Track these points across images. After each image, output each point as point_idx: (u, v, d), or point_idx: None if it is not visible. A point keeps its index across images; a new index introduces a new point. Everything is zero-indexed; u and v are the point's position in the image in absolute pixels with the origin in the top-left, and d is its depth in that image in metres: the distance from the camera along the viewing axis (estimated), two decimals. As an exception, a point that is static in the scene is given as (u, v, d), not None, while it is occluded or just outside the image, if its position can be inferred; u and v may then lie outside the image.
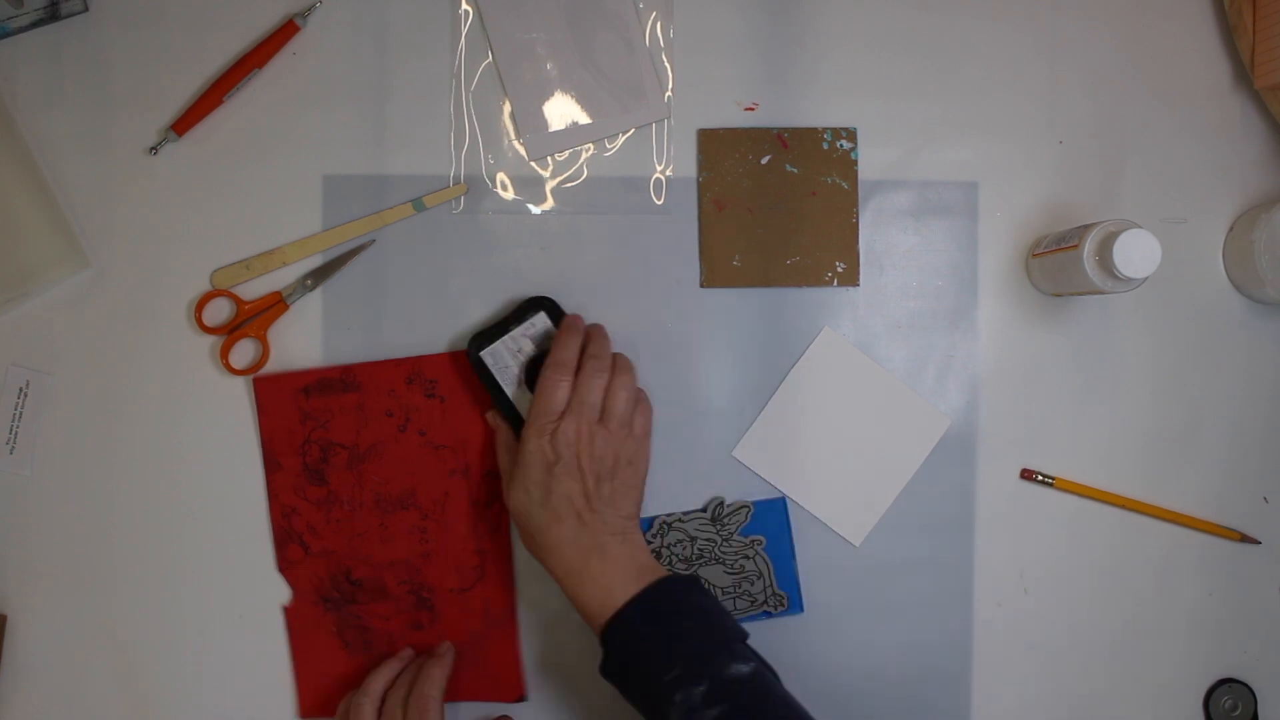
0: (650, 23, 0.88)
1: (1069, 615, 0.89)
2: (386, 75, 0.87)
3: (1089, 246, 0.79)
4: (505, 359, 0.84)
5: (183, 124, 0.86)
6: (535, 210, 0.88)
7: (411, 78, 0.87)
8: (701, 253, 0.88)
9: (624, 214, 0.88)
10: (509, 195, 0.88)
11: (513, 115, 0.88)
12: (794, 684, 0.87)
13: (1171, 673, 0.89)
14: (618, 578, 0.76)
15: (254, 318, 0.86)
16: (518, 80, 0.88)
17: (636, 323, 0.87)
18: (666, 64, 0.88)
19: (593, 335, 0.83)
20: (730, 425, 0.88)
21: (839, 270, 0.88)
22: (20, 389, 0.86)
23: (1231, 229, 0.89)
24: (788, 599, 0.87)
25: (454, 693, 0.86)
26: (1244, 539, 0.89)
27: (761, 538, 0.86)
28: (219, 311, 0.87)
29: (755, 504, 0.86)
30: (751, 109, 0.88)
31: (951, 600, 0.88)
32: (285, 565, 0.86)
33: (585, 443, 0.78)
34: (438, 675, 0.82)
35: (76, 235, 0.86)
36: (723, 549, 0.86)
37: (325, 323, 0.87)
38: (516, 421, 0.84)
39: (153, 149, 0.86)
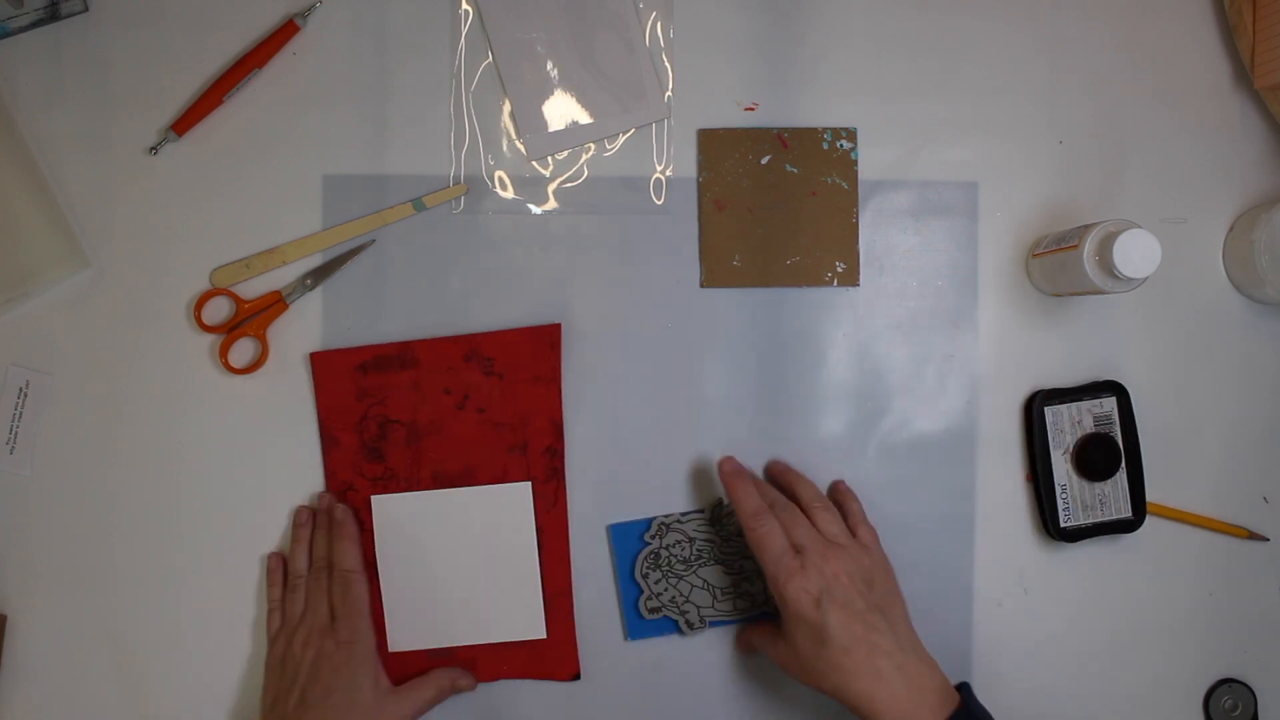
0: (650, 23, 0.88)
1: (1069, 615, 0.89)
2: (386, 75, 0.87)
3: (1089, 246, 0.79)
4: (1063, 424, 0.85)
5: (183, 124, 0.86)
6: (535, 210, 0.88)
7: (411, 78, 0.87)
8: (701, 253, 0.88)
9: (624, 214, 0.88)
10: (509, 195, 0.88)
11: (513, 115, 0.88)
12: (793, 684, 0.88)
13: (1171, 673, 0.89)
14: (920, 700, 0.75)
15: (254, 317, 0.86)
16: (518, 80, 0.88)
17: (636, 323, 0.87)
18: (666, 64, 0.88)
19: (775, 474, 0.86)
20: (730, 425, 0.88)
21: (839, 270, 0.88)
22: (20, 389, 0.86)
23: (1231, 229, 0.89)
24: None
25: (508, 670, 0.86)
26: (1252, 536, 0.89)
27: None
28: (219, 310, 0.87)
29: None
30: (751, 109, 0.88)
31: (951, 600, 0.88)
32: None
33: (833, 563, 0.77)
34: (350, 547, 0.84)
35: (76, 235, 0.86)
36: (722, 550, 0.86)
37: (325, 322, 0.87)
38: (1047, 479, 0.86)
39: (153, 149, 0.86)
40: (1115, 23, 0.89)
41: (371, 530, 0.86)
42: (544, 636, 0.86)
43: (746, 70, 0.88)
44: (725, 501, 0.86)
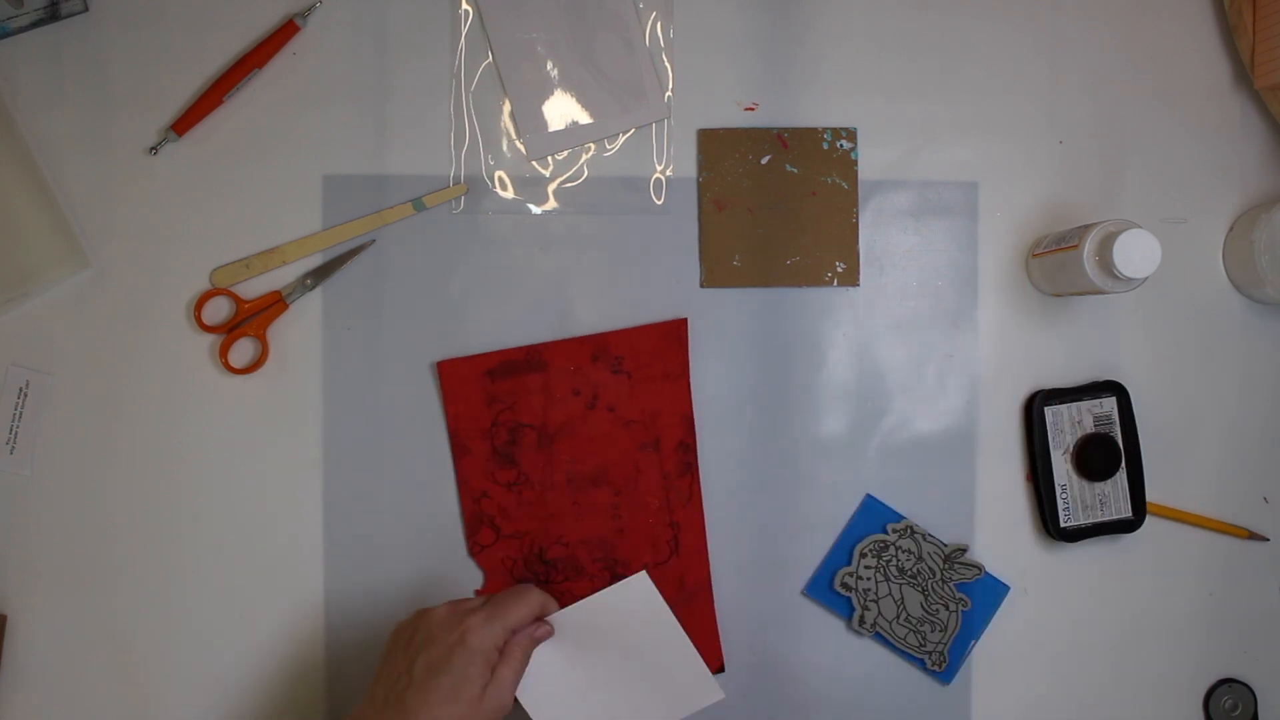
0: (650, 23, 0.88)
1: (1069, 615, 0.89)
2: (386, 75, 0.87)
3: (1089, 246, 0.79)
4: (1063, 424, 0.86)
5: (183, 124, 0.86)
6: (535, 210, 0.88)
7: (411, 78, 0.87)
8: (701, 253, 0.88)
9: (624, 214, 0.88)
10: (509, 195, 0.88)
11: (513, 115, 0.88)
12: (796, 683, 0.87)
13: (1171, 673, 0.89)
14: None
15: (253, 317, 0.86)
16: (518, 80, 0.88)
17: (636, 323, 0.87)
18: (666, 64, 0.88)
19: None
20: (730, 425, 0.88)
21: (839, 270, 0.88)
22: (20, 389, 0.86)
23: (1231, 229, 0.89)
24: (948, 664, 0.87)
25: None
26: (1252, 536, 0.89)
27: (968, 600, 0.87)
28: (218, 310, 0.87)
29: (986, 574, 0.88)
30: (751, 109, 0.88)
31: (951, 600, 0.89)
32: (476, 549, 0.87)
33: None
34: (532, 599, 0.77)
35: (76, 235, 0.86)
36: (934, 585, 0.87)
37: (325, 322, 0.87)
38: (1047, 479, 0.86)
39: (153, 149, 0.86)
40: (1115, 23, 0.89)
41: (508, 518, 0.86)
42: (721, 697, 0.81)
43: (746, 70, 0.88)
44: (966, 551, 0.87)
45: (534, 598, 0.77)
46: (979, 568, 0.87)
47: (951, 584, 0.87)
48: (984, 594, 0.88)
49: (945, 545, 0.87)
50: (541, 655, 0.78)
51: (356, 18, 0.87)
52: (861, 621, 0.87)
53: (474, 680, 0.72)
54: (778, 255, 0.88)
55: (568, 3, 0.87)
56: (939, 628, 0.87)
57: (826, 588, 0.87)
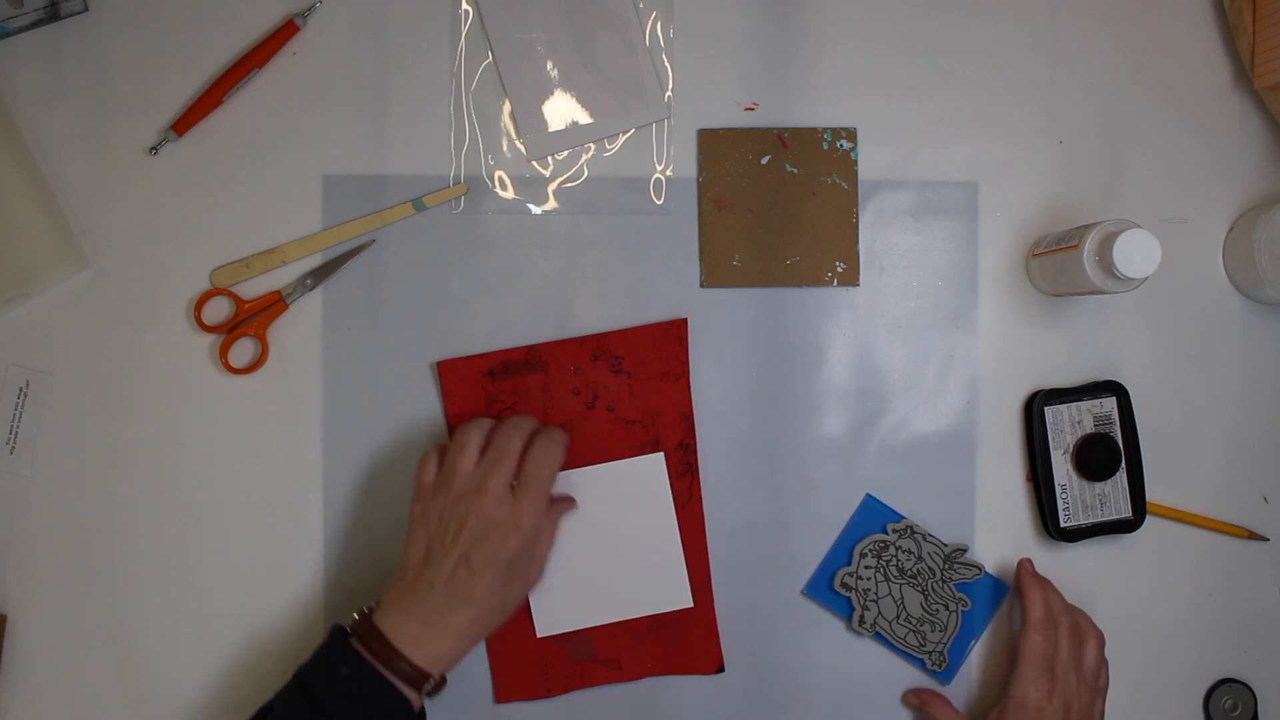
0: (650, 23, 0.88)
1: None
2: (386, 75, 0.87)
3: (1089, 246, 0.79)
4: (1063, 424, 0.86)
5: (183, 124, 0.86)
6: (535, 210, 0.88)
7: (411, 78, 0.87)
8: (701, 253, 0.88)
9: (624, 214, 0.88)
10: (509, 195, 0.88)
11: (513, 115, 0.88)
12: (797, 684, 0.88)
13: (1171, 673, 0.89)
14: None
15: (253, 317, 0.86)
16: (518, 80, 0.88)
17: (636, 323, 0.87)
18: (666, 64, 0.88)
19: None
20: (730, 425, 0.88)
21: (839, 270, 0.88)
22: (20, 389, 0.86)
23: (1231, 229, 0.89)
24: (948, 665, 0.87)
25: (653, 668, 0.87)
26: (1252, 536, 0.89)
27: (968, 600, 0.87)
28: (218, 310, 0.87)
29: (986, 574, 0.88)
30: (751, 109, 0.88)
31: (951, 600, 0.89)
32: None
33: (1076, 697, 0.82)
34: (557, 456, 0.80)
35: (76, 235, 0.86)
36: (934, 585, 0.87)
37: (325, 322, 0.87)
38: (1047, 479, 0.86)
39: (153, 149, 0.86)
40: (1115, 23, 0.89)
41: None
42: (691, 605, 0.86)
43: (746, 70, 0.88)
44: (966, 551, 0.87)
45: (558, 450, 0.80)
46: (979, 568, 0.87)
47: (951, 584, 0.87)
48: (984, 594, 0.88)
49: (945, 545, 0.87)
50: None
51: (356, 18, 0.87)
52: (861, 621, 0.86)
53: (537, 559, 0.80)
54: (778, 255, 0.88)
55: (568, 3, 0.87)
56: (939, 628, 0.87)
57: (826, 587, 0.87)
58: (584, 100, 0.88)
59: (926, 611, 0.87)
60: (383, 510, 0.87)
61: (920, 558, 0.87)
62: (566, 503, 0.85)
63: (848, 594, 0.87)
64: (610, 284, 0.88)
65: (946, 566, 0.87)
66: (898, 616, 0.87)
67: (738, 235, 0.88)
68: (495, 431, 0.80)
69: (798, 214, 0.88)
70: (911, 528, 0.87)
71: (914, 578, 0.87)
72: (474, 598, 0.76)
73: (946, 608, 0.87)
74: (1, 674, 0.85)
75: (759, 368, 0.88)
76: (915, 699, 0.87)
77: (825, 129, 0.88)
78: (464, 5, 0.87)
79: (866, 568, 0.87)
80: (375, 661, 0.75)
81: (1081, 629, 0.84)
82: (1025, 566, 0.86)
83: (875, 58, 0.89)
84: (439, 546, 0.78)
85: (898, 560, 0.87)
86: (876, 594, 0.87)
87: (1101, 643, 0.84)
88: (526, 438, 0.80)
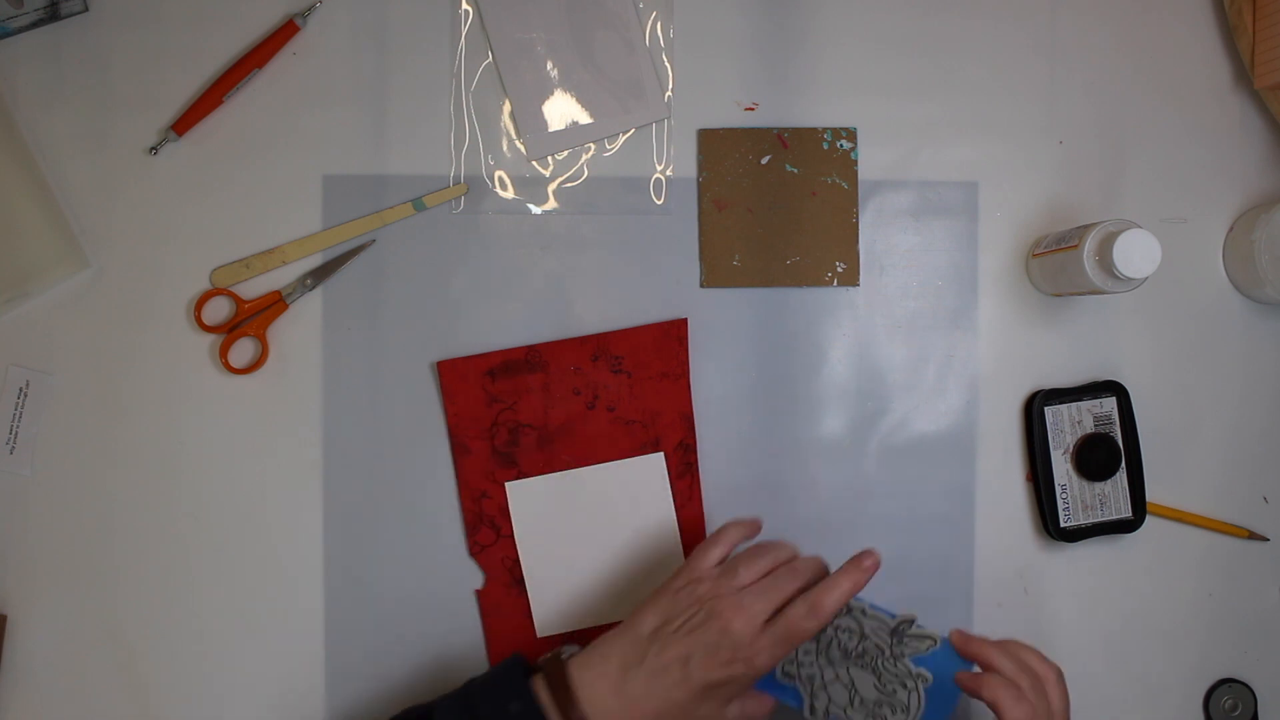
0: (650, 23, 0.88)
1: (1069, 615, 0.89)
2: (386, 75, 0.87)
3: (1089, 246, 0.79)
4: (1063, 424, 0.85)
5: (183, 124, 0.86)
6: (535, 210, 0.88)
7: (411, 78, 0.87)
8: (701, 253, 0.88)
9: (624, 214, 0.88)
10: (509, 195, 0.88)
11: (513, 115, 0.88)
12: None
13: (1171, 673, 0.89)
14: None
15: (253, 317, 0.86)
16: (518, 80, 0.88)
17: (636, 323, 0.87)
18: (666, 64, 0.88)
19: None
20: (730, 425, 0.88)
21: (839, 270, 0.88)
22: (20, 389, 0.86)
23: (1231, 229, 0.89)
24: None
25: None
26: (1252, 536, 0.89)
27: (928, 675, 0.75)
28: (218, 310, 0.87)
29: (943, 641, 0.76)
30: (751, 109, 0.88)
31: (951, 600, 0.88)
32: (476, 549, 0.87)
33: None
34: (848, 589, 0.73)
35: (76, 235, 0.86)
36: (885, 663, 0.76)
37: (325, 322, 0.87)
38: (1047, 479, 0.86)
39: (153, 149, 0.86)
40: (1115, 23, 0.89)
41: (510, 519, 0.86)
42: None
43: (746, 70, 0.88)
44: (915, 622, 0.76)
45: (815, 622, 0.73)
46: (933, 638, 0.76)
47: (905, 660, 0.76)
48: (947, 663, 0.75)
49: (891, 618, 0.76)
50: (543, 507, 0.85)
51: (356, 18, 0.87)
52: (813, 711, 0.77)
53: (737, 701, 0.75)
54: (778, 255, 0.88)
55: (568, 3, 0.87)
56: (899, 709, 0.76)
57: (770, 679, 0.78)
58: (584, 100, 0.88)
59: (882, 693, 0.76)
60: (383, 510, 0.87)
61: (864, 635, 0.77)
62: (759, 704, 0.77)
63: (791, 683, 0.78)
64: (610, 284, 0.88)
65: (895, 642, 0.76)
66: (851, 702, 0.76)
67: (738, 235, 0.88)
68: (790, 563, 0.76)
69: (798, 214, 0.88)
70: (848, 606, 0.77)
71: (860, 658, 0.77)
72: (671, 697, 0.72)
73: (904, 686, 0.76)
74: (1, 674, 0.85)
75: (759, 368, 0.88)
76: None
77: (825, 129, 0.88)
78: (464, 5, 0.87)
79: (806, 653, 0.78)
80: (551, 708, 0.71)
81: (1038, 673, 0.74)
82: (958, 642, 0.75)
83: (875, 58, 0.89)
84: (669, 629, 0.73)
85: (839, 641, 0.77)
86: (823, 679, 0.77)
87: (1060, 676, 0.74)
88: (805, 583, 0.75)
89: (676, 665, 0.72)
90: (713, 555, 0.77)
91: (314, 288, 0.87)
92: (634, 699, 0.72)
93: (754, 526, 0.80)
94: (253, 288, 0.87)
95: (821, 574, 0.76)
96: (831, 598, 0.73)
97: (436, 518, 0.87)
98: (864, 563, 0.75)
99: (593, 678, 0.72)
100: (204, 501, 0.87)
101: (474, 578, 0.87)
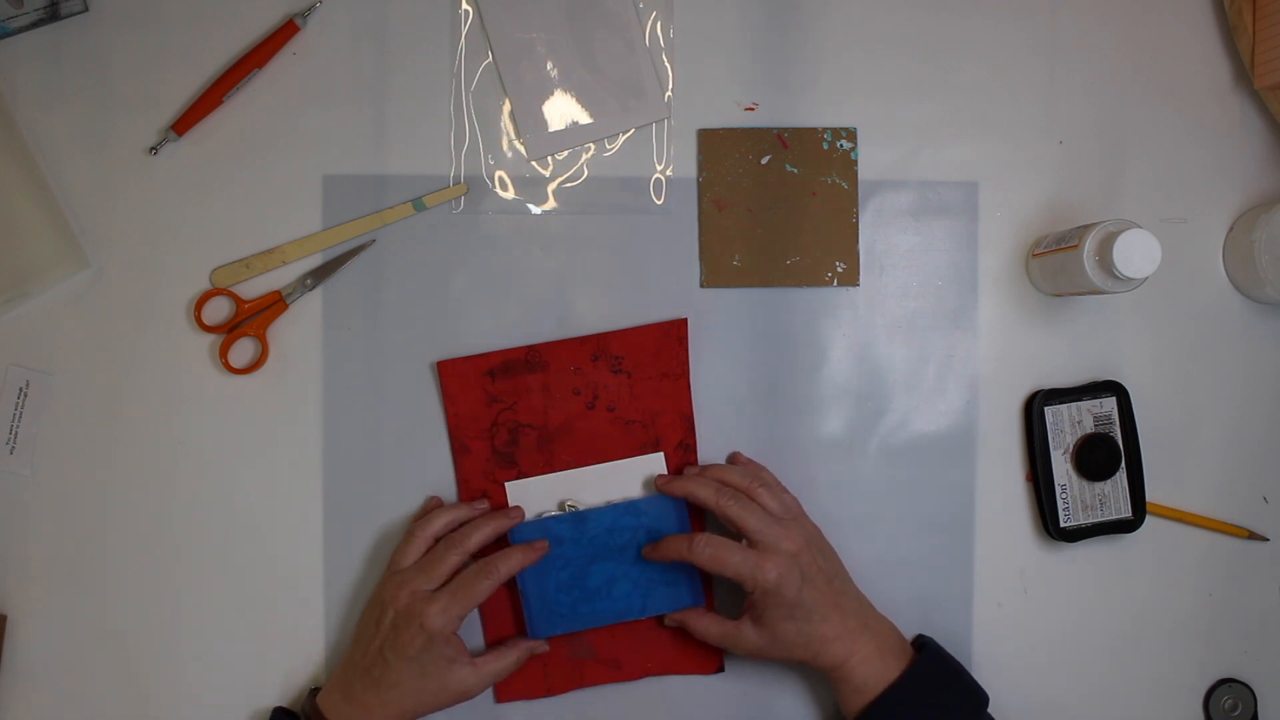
0: (650, 23, 0.88)
1: (1069, 615, 0.89)
2: (386, 75, 0.87)
3: (1089, 246, 0.79)
4: (1063, 424, 0.85)
5: (183, 124, 0.86)
6: (535, 210, 0.88)
7: (411, 78, 0.87)
8: (701, 253, 0.88)
9: (624, 214, 0.88)
10: (509, 195, 0.88)
11: (513, 115, 0.88)
12: (795, 683, 0.88)
13: (1171, 673, 0.89)
14: (887, 650, 0.80)
15: (253, 317, 0.86)
16: (518, 80, 0.88)
17: (636, 323, 0.87)
18: (666, 64, 0.88)
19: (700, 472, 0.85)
20: (730, 425, 0.88)
21: (839, 270, 0.88)
22: (20, 389, 0.86)
23: (1231, 229, 0.89)
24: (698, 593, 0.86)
25: (652, 667, 0.87)
26: (1252, 536, 0.89)
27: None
28: (218, 310, 0.87)
29: (652, 498, 0.86)
30: (751, 109, 0.88)
31: (951, 600, 0.88)
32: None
33: (791, 539, 0.79)
34: (519, 558, 0.82)
35: (76, 235, 0.86)
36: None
37: (325, 322, 0.87)
38: (1047, 479, 0.86)
39: (153, 149, 0.86)
40: (1115, 23, 0.89)
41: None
42: (703, 605, 0.86)
43: (746, 70, 0.88)
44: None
45: (488, 582, 0.80)
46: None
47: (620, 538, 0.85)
48: (670, 512, 0.85)
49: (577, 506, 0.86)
50: (542, 507, 0.86)
51: (356, 18, 0.87)
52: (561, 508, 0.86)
53: (456, 668, 0.80)
54: (778, 255, 0.88)
55: (568, 3, 0.87)
56: (668, 579, 0.85)
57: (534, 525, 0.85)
58: (584, 100, 0.88)
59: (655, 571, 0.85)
60: (383, 510, 0.87)
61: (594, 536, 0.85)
62: (497, 660, 0.82)
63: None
64: (610, 284, 0.88)
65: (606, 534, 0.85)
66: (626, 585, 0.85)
67: (738, 235, 0.88)
68: (444, 540, 0.83)
69: (798, 214, 0.88)
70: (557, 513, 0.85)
71: (619, 551, 0.85)
72: (389, 682, 0.79)
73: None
74: (1, 674, 0.85)
75: (759, 368, 0.88)
76: (672, 621, 0.85)
77: (825, 129, 0.88)
78: (464, 5, 0.87)
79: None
80: None
81: (741, 485, 0.82)
82: (661, 485, 0.84)
83: (875, 58, 0.89)
84: (368, 630, 0.81)
85: (589, 547, 0.85)
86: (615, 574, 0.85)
87: (763, 480, 0.83)
88: (467, 556, 0.82)
89: (378, 657, 0.80)
90: (404, 554, 0.83)
91: (314, 288, 0.87)
92: (364, 700, 0.79)
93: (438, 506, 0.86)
94: (253, 288, 0.87)
95: (482, 541, 0.83)
96: (506, 563, 0.81)
97: (436, 518, 0.87)
98: (536, 544, 0.83)
99: (335, 699, 0.81)
100: (204, 501, 0.87)
101: (474, 578, 0.87)
